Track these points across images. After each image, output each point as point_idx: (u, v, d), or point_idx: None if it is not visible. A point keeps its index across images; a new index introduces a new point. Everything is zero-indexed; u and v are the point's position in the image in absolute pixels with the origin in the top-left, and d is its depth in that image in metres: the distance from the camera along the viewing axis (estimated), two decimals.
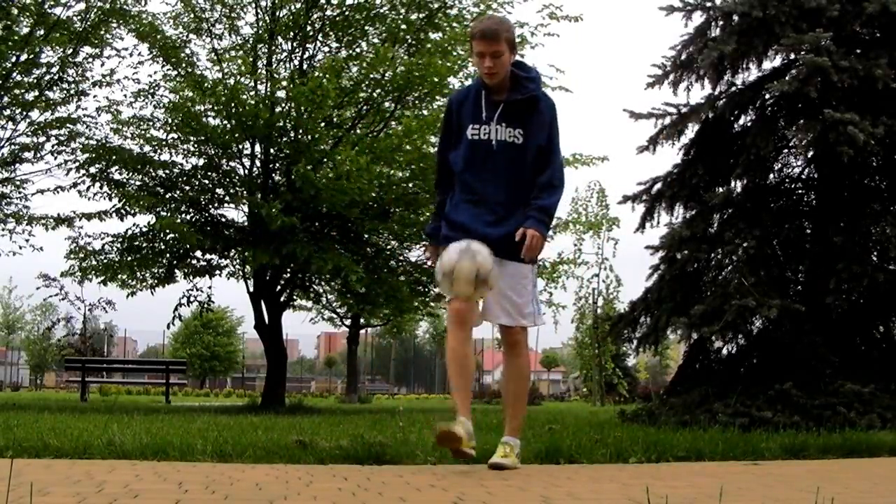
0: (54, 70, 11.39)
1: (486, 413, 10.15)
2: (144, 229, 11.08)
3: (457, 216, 3.73)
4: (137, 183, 11.31)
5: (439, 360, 50.30)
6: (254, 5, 11.20)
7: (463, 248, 3.48)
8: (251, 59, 11.31)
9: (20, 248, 12.40)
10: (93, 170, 11.29)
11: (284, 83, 10.89)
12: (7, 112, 11.27)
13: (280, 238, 9.98)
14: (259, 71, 11.21)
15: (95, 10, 10.96)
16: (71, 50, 11.25)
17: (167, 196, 11.20)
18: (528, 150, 3.69)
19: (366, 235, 11.63)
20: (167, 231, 10.86)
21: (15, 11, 10.54)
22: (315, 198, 9.80)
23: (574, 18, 11.20)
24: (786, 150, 7.40)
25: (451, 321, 3.65)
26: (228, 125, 10.55)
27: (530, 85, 3.75)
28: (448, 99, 4.08)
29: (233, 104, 10.12)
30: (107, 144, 11.37)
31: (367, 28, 11.17)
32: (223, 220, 11.59)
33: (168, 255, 11.41)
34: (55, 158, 11.73)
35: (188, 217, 11.36)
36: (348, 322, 21.81)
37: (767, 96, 7.21)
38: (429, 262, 3.89)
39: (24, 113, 11.45)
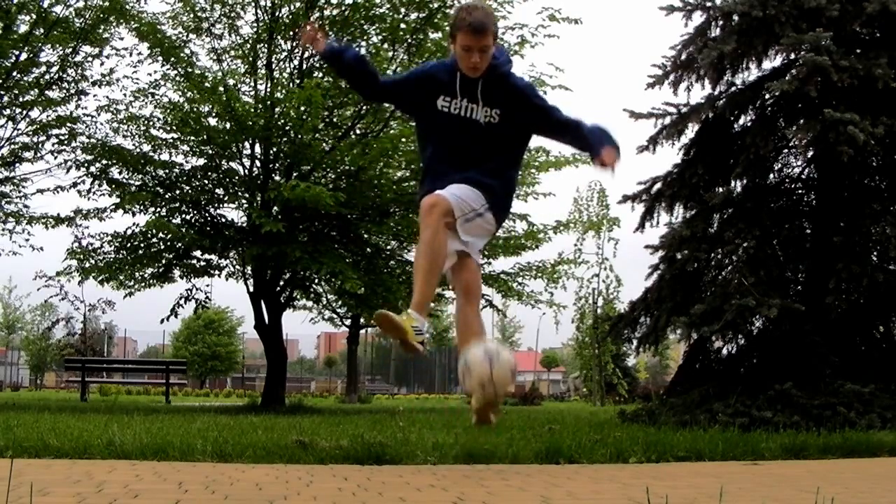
0: (54, 70, 11.40)
1: None
2: (143, 229, 11.11)
3: (442, 179, 3.59)
4: (137, 182, 11.33)
5: (439, 361, 50.26)
6: (253, 5, 11.21)
7: (489, 357, 3.26)
8: (250, 60, 11.32)
9: (20, 247, 12.44)
10: (93, 169, 11.32)
11: (284, 84, 10.90)
12: (7, 112, 11.28)
13: (278, 238, 10.00)
14: (258, 71, 11.22)
15: (94, 8, 10.97)
16: (71, 49, 11.26)
17: (167, 196, 11.22)
18: (506, 130, 3.60)
19: (365, 235, 11.64)
20: (162, 231, 10.88)
21: (13, 10, 10.54)
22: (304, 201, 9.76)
23: (574, 21, 11.19)
24: (786, 150, 7.40)
25: (430, 214, 3.39)
26: (227, 126, 10.56)
27: (502, 64, 3.65)
28: (424, 64, 4.01)
29: (231, 107, 10.13)
30: (107, 144, 11.38)
31: (366, 28, 11.17)
32: (223, 220, 11.60)
33: (167, 254, 11.42)
34: (55, 158, 11.77)
35: (188, 217, 11.38)
36: (348, 322, 21.80)
37: (767, 96, 7.21)
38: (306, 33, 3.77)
39: (24, 112, 11.46)
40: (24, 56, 10.88)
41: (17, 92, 11.11)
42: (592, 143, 3.62)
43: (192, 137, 10.99)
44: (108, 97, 11.76)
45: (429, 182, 3.68)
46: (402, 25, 10.94)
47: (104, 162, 11.26)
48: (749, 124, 7.34)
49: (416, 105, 3.76)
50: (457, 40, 3.52)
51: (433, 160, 3.72)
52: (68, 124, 11.59)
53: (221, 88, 10.37)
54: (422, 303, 3.37)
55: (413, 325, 3.28)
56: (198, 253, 11.59)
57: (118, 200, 11.15)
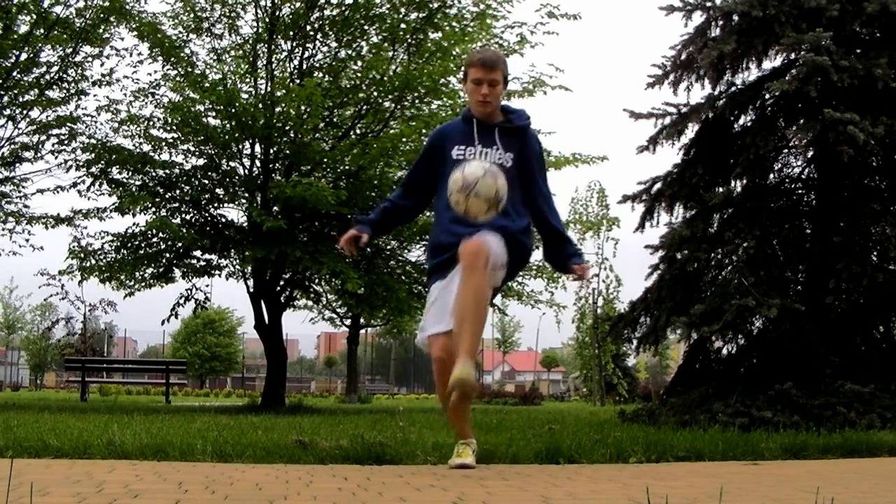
0: (54, 70, 11.40)
1: (486, 413, 10.17)
2: (143, 229, 11.11)
3: (443, 237, 3.65)
4: (138, 182, 11.33)
5: None
6: (253, 5, 11.21)
7: (486, 167, 3.44)
8: (250, 59, 11.32)
9: (20, 247, 12.45)
10: (93, 169, 11.32)
11: (284, 83, 10.91)
12: (7, 112, 11.28)
13: (278, 238, 10.00)
14: (258, 71, 11.22)
15: (94, 8, 10.97)
16: (71, 49, 11.27)
17: (167, 196, 11.22)
18: (517, 176, 3.65)
19: None
20: (163, 231, 10.89)
21: (14, 10, 10.55)
22: (305, 200, 9.75)
23: (572, 16, 11.20)
24: (786, 150, 7.40)
25: (478, 259, 3.39)
26: (228, 125, 10.56)
27: (521, 118, 3.81)
28: (432, 131, 4.02)
29: (232, 105, 10.13)
30: (107, 144, 11.38)
31: (366, 28, 11.18)
32: (223, 220, 11.61)
33: (167, 254, 11.43)
34: (55, 158, 11.78)
35: (188, 217, 11.38)
36: (348, 322, 21.80)
37: (767, 96, 7.21)
38: (343, 247, 3.81)
39: (24, 112, 11.47)
40: (24, 56, 10.89)
41: (17, 92, 11.11)
42: (569, 255, 3.82)
43: (192, 137, 11.00)
44: (108, 97, 11.79)
45: (449, 227, 3.62)
46: (402, 25, 10.94)
47: (104, 162, 11.26)
48: (749, 124, 7.34)
49: (437, 168, 3.74)
50: (469, 76, 3.71)
51: (442, 214, 3.69)
52: (68, 124, 11.60)
53: (220, 88, 10.37)
54: (474, 352, 3.44)
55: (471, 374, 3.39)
56: (198, 253, 11.59)
57: (118, 201, 11.16)
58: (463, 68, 3.88)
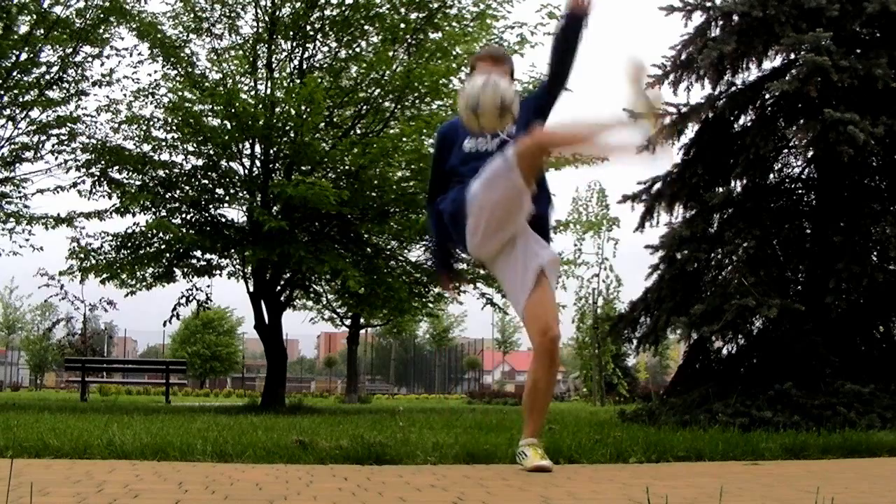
0: (54, 70, 11.40)
1: (486, 413, 10.17)
2: (143, 229, 11.11)
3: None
4: (138, 183, 11.33)
5: (439, 361, 50.23)
6: (253, 5, 11.21)
7: (483, 81, 3.47)
8: (250, 59, 11.33)
9: (20, 247, 12.46)
10: (93, 170, 11.32)
11: (284, 83, 10.91)
12: (7, 112, 11.28)
13: (279, 238, 10.00)
14: (259, 71, 11.22)
15: (94, 8, 10.98)
16: (71, 49, 11.27)
17: (167, 196, 11.22)
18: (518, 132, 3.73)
19: (365, 235, 11.64)
20: (163, 231, 10.89)
21: (14, 10, 10.55)
22: (306, 200, 9.75)
23: None
24: (786, 150, 7.40)
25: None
26: (228, 125, 10.56)
27: None
28: (438, 129, 4.06)
29: (232, 105, 10.13)
30: (107, 144, 11.38)
31: (366, 28, 11.18)
32: (223, 220, 11.61)
33: (167, 254, 11.43)
34: (55, 158, 11.78)
35: (188, 217, 11.38)
36: (348, 322, 21.78)
37: (767, 96, 7.21)
38: (448, 294, 4.05)
39: (24, 112, 11.47)
40: (24, 56, 10.89)
41: (17, 92, 11.11)
42: (562, 26, 4.04)
43: (192, 137, 11.00)
44: (108, 97, 11.78)
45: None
46: (402, 25, 10.94)
47: (104, 162, 11.26)
48: (749, 124, 7.34)
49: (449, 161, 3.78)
50: (476, 70, 3.83)
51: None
52: (68, 124, 11.60)
53: (220, 89, 10.37)
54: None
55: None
56: (198, 253, 11.59)
57: (118, 201, 11.16)
58: (469, 64, 4.00)
